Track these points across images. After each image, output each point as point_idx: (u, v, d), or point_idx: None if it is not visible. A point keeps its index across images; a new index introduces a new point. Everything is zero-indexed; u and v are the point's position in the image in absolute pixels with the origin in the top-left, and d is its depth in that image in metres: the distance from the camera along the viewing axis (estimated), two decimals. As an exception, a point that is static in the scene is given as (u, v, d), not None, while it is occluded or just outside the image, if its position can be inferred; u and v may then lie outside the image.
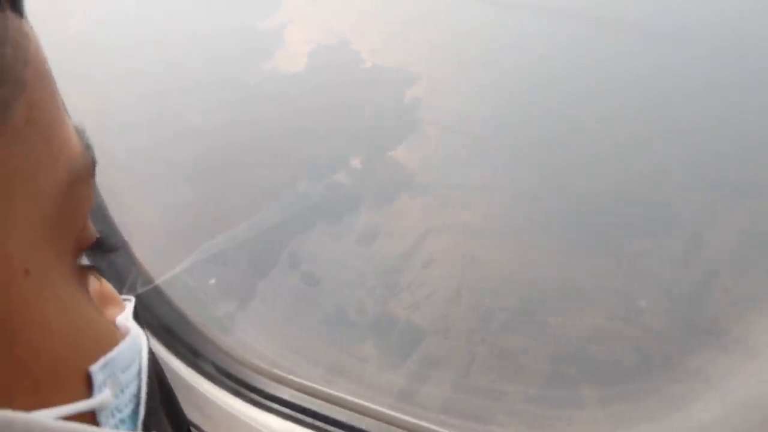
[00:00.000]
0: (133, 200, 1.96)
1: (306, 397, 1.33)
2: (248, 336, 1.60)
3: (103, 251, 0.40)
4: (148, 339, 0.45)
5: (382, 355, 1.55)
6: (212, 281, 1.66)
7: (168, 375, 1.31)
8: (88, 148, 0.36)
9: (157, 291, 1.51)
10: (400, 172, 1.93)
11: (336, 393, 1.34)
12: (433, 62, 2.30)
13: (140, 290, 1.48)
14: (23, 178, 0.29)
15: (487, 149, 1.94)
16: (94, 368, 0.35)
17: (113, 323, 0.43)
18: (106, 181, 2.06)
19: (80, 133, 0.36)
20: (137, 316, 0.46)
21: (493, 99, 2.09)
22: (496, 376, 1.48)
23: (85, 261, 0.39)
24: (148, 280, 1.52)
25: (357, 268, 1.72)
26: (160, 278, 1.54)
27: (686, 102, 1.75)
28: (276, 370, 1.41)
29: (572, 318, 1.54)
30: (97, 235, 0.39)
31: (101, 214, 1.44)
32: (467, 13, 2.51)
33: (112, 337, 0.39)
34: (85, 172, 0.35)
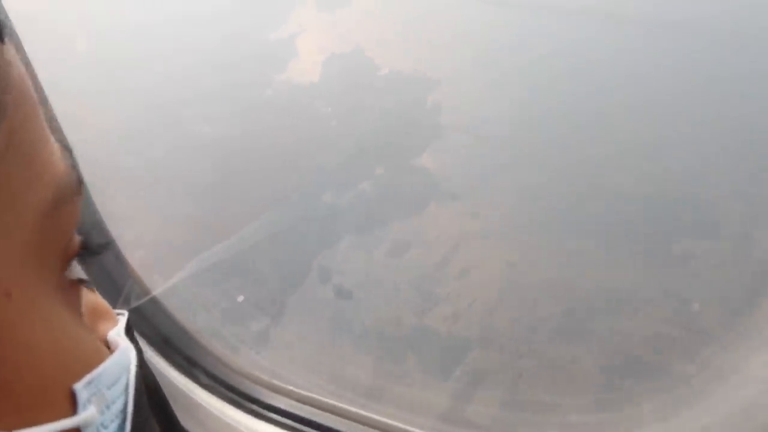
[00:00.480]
0: (144, 213, 1.89)
1: (304, 407, 1.30)
2: (277, 358, 1.52)
3: (89, 255, 0.40)
4: (142, 351, 0.46)
5: (424, 370, 1.47)
6: (240, 298, 1.59)
7: (165, 386, 1.26)
8: (73, 167, 0.35)
9: (155, 301, 1.45)
10: (428, 180, 1.86)
11: (334, 402, 1.30)
12: (451, 66, 2.24)
13: (137, 302, 1.42)
14: (4, 201, 0.29)
15: (515, 152, 1.87)
16: (78, 386, 0.35)
17: (104, 338, 0.43)
18: (124, 195, 1.99)
19: (65, 152, 0.35)
20: (131, 329, 0.46)
21: (517, 100, 2.03)
22: (546, 390, 1.41)
23: (75, 274, 0.39)
24: (145, 291, 1.47)
25: (390, 280, 1.64)
26: (158, 289, 1.48)
27: (729, 97, 1.70)
28: (275, 381, 1.37)
29: (622, 324, 1.47)
30: (80, 242, 0.38)
31: (88, 211, 1.36)
32: (483, 16, 2.47)
33: (100, 353, 0.39)
34: (69, 191, 0.34)
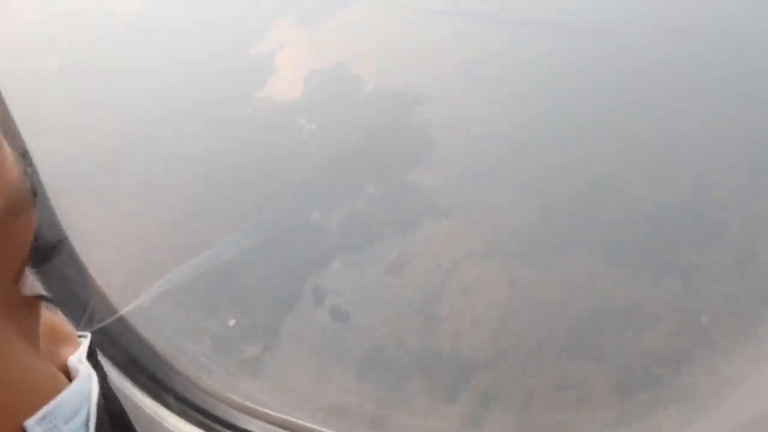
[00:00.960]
0: (125, 230, 1.77)
1: (280, 430, 1.21)
2: (272, 387, 1.43)
3: (41, 257, 0.36)
4: (106, 376, 0.42)
5: (430, 394, 1.40)
6: (232, 322, 1.49)
7: (131, 412, 1.17)
8: (26, 174, 0.32)
9: (121, 320, 1.35)
10: (421, 196, 1.81)
11: (310, 425, 1.22)
12: (437, 81, 2.21)
13: (102, 322, 1.32)
14: None
15: (509, 165, 1.84)
16: (30, 423, 0.31)
17: (63, 364, 0.38)
18: (101, 214, 1.87)
19: (20, 158, 0.33)
20: (94, 352, 0.42)
21: (507, 113, 2.01)
22: (559, 409, 1.35)
23: (32, 291, 0.35)
24: (111, 309, 1.37)
25: (388, 299, 1.57)
26: (125, 308, 1.38)
27: (724, 110, 1.72)
28: (249, 403, 1.28)
29: (632, 339, 1.43)
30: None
31: (41, 208, 1.24)
32: (465, 30, 2.47)
33: (56, 382, 0.35)
34: (22, 200, 0.31)
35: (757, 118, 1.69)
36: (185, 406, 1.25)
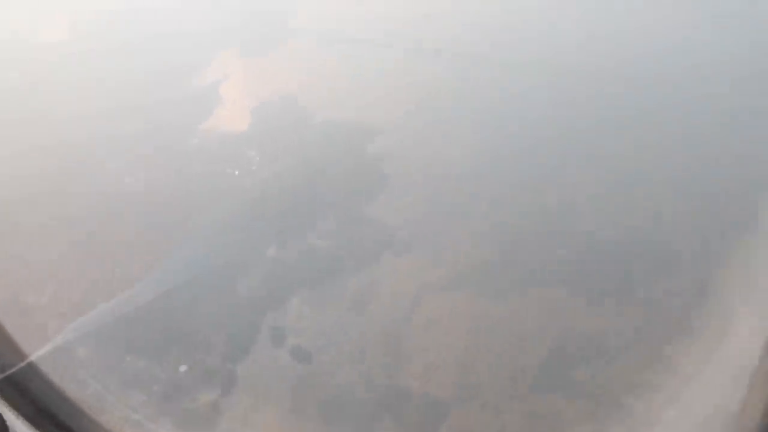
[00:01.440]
0: (60, 270, 1.62)
1: None
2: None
3: None
4: (8, 429, 0.46)
5: (402, 436, 1.33)
6: (183, 368, 1.37)
7: None
8: None
9: (31, 366, 1.24)
10: (380, 229, 1.76)
11: None
12: (388, 112, 2.19)
13: (7, 371, 1.20)
14: None
15: (467, 196, 1.83)
16: None
17: None
18: (34, 254, 1.70)
19: None
20: None
21: (463, 144, 2.00)
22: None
23: None
24: (20, 355, 1.25)
25: (352, 337, 1.50)
26: (34, 353, 1.27)
27: (668, 141, 1.79)
28: None
29: (602, 370, 1.42)
30: None
31: None
32: (413, 62, 2.47)
33: None
34: None
35: (699, 144, 1.77)
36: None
